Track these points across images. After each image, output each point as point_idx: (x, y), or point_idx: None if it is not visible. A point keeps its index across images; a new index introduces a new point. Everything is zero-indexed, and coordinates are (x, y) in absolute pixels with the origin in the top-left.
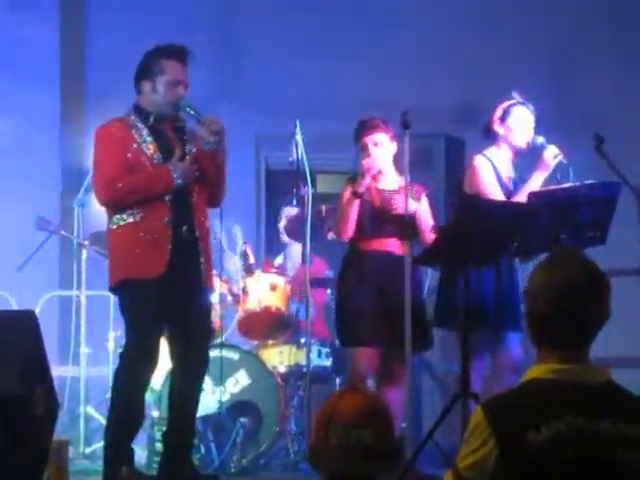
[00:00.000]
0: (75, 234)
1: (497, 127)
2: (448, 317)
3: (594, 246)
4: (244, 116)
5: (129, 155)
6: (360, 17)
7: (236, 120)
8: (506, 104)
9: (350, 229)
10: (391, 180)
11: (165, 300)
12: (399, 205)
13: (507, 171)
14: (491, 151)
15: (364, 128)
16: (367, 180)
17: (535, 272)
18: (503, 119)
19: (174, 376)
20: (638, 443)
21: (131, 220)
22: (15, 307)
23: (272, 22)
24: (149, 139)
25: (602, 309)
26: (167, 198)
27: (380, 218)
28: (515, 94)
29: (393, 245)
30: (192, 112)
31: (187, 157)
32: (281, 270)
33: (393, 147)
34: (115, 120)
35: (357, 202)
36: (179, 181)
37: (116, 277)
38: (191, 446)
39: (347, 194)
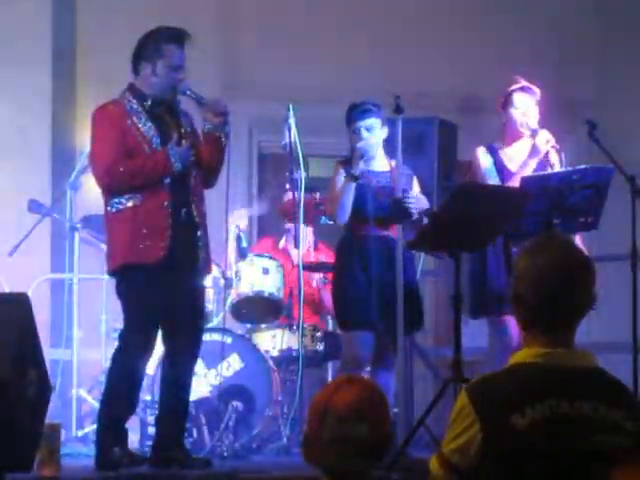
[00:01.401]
0: (67, 217)
1: (502, 114)
2: (482, 305)
3: (587, 231)
4: (237, 100)
5: (128, 138)
6: (353, 1)
7: (228, 104)
8: (509, 90)
9: (347, 213)
10: (381, 164)
11: (165, 284)
12: (395, 187)
13: (516, 158)
14: (495, 142)
15: (356, 112)
16: (362, 163)
17: (521, 256)
18: (504, 107)
19: (167, 359)
20: (620, 427)
21: (130, 204)
22: (7, 290)
23: (266, 7)
24: (147, 122)
25: (587, 294)
26: (166, 182)
27: (378, 201)
28: (517, 77)
29: (386, 228)
30: (193, 95)
31: (184, 141)
32: (285, 253)
33: (384, 131)
34: (112, 102)
35: (354, 185)
36: (178, 165)
37: (116, 262)
38: (184, 429)
39: (339, 177)
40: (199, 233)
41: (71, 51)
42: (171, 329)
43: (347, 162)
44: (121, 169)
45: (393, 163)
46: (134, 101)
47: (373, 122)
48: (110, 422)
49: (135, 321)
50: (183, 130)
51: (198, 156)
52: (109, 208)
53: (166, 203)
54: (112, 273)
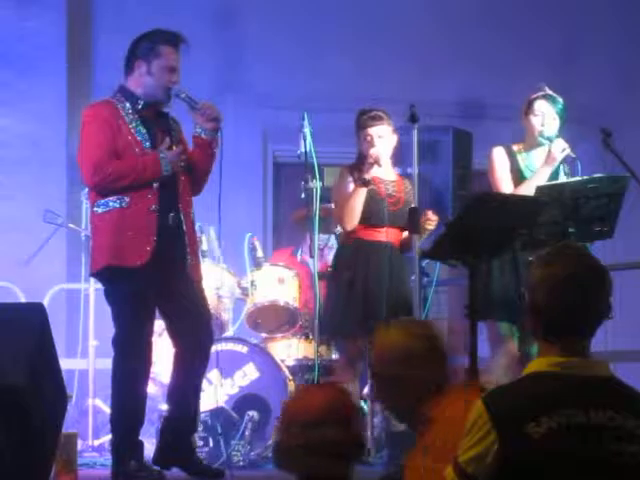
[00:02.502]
0: (83, 227)
1: (523, 120)
2: (485, 308)
3: (602, 239)
4: (251, 109)
5: (117, 139)
6: (366, 10)
7: (242, 113)
8: (532, 97)
9: (357, 218)
10: (388, 172)
11: (150, 289)
12: (400, 197)
13: (533, 164)
14: (516, 144)
15: (367, 119)
16: (373, 170)
17: (535, 266)
18: (526, 113)
19: (174, 365)
20: (636, 436)
21: (117, 206)
22: (23, 300)
23: (279, 15)
24: (138, 124)
25: (603, 303)
26: (154, 185)
27: (388, 208)
28: (543, 85)
29: (391, 236)
30: (187, 99)
31: (174, 146)
32: (304, 264)
33: (394, 139)
34: (103, 102)
35: (364, 191)
36: (167, 169)
37: (98, 263)
38: (192, 433)
39: (347, 183)
40: (186, 239)
41: (87, 61)
42: (176, 335)
43: (354, 168)
44: (109, 169)
45: (397, 173)
46: (125, 102)
47: (384, 129)
48: (123, 434)
49: (122, 326)
50: (174, 135)
51: (187, 162)
52: (95, 209)
53: (153, 207)
54: (94, 274)
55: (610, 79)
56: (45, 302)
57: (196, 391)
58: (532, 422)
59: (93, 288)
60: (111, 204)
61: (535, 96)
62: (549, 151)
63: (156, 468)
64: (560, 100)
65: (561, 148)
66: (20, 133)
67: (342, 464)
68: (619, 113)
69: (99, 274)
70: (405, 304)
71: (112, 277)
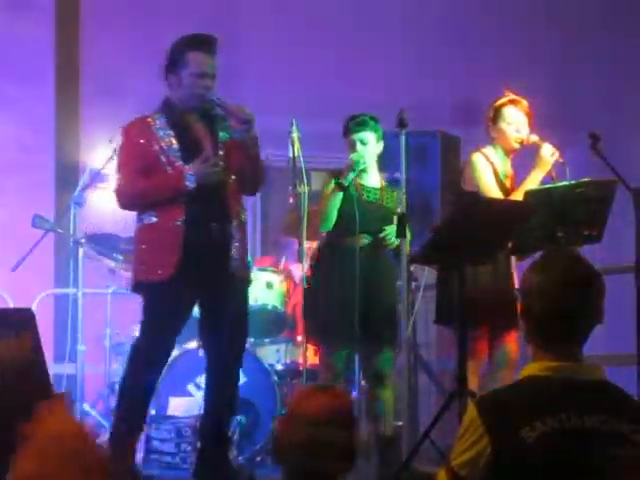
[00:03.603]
0: (72, 232)
1: (490, 128)
2: (448, 315)
3: (591, 244)
4: None
5: (147, 153)
6: (356, 16)
7: None
8: (498, 104)
9: (331, 222)
10: (373, 178)
11: (176, 303)
12: (383, 202)
13: (505, 169)
14: (488, 149)
15: (353, 125)
16: (353, 175)
17: (529, 271)
18: (494, 120)
19: (208, 373)
20: (629, 440)
21: (147, 222)
22: (11, 305)
23: (269, 20)
24: (172, 138)
25: (595, 308)
26: (182, 199)
27: (365, 214)
28: (507, 91)
29: (367, 242)
30: (218, 103)
31: (220, 151)
32: (286, 272)
33: (379, 146)
34: (138, 120)
35: (340, 195)
36: (191, 185)
37: (133, 279)
38: (228, 442)
39: (329, 187)
40: (233, 249)
41: (74, 66)
42: (211, 345)
43: (338, 173)
44: (130, 191)
45: (384, 182)
46: (163, 114)
47: (368, 136)
48: (119, 437)
49: (143, 336)
50: (222, 136)
51: (233, 165)
52: (137, 223)
53: (179, 220)
54: (132, 289)
55: (598, 85)
56: (33, 307)
57: (229, 402)
58: (526, 427)
59: (81, 293)
60: (143, 220)
61: (501, 103)
62: (539, 156)
63: (142, 473)
64: (524, 101)
65: (550, 152)
66: (8, 138)
67: (339, 466)
68: (607, 119)
69: (134, 289)
70: (382, 309)
71: (142, 292)
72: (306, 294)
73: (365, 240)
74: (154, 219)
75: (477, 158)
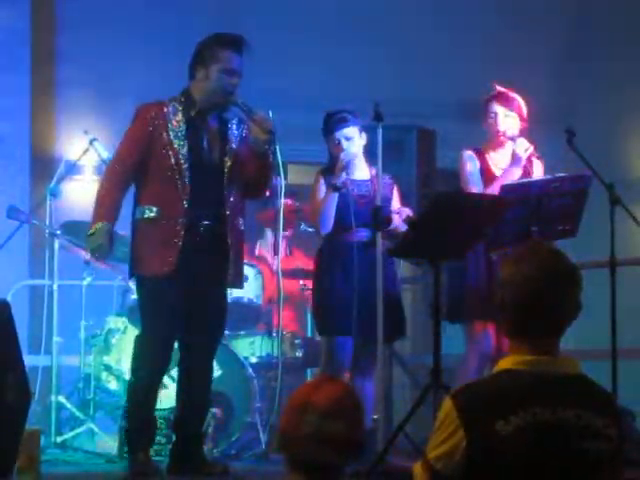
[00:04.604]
0: (47, 223)
1: (483, 122)
2: (460, 309)
3: (565, 238)
4: None
5: (156, 142)
6: (337, 12)
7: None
8: (485, 98)
9: (330, 223)
10: (362, 172)
11: (177, 296)
12: (374, 196)
13: (503, 163)
14: (486, 145)
15: (334, 122)
16: (345, 174)
17: (505, 264)
18: (484, 114)
19: (181, 369)
20: (603, 434)
21: (146, 215)
22: None
23: (254, 16)
24: (182, 129)
25: (573, 301)
26: (185, 197)
27: (358, 209)
28: (494, 84)
29: (366, 235)
30: (245, 107)
31: (226, 158)
32: (261, 260)
33: (363, 139)
34: (157, 102)
35: (336, 196)
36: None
37: (131, 271)
38: (202, 436)
39: (321, 187)
40: (231, 251)
41: (50, 58)
42: (186, 338)
43: (327, 171)
44: (116, 167)
45: (374, 172)
46: (180, 107)
47: (351, 131)
48: (134, 425)
49: (143, 330)
50: (228, 146)
51: (242, 170)
52: (135, 216)
53: (183, 216)
54: (130, 278)
55: (571, 80)
56: (8, 298)
57: (202, 397)
58: (501, 420)
59: (57, 285)
60: (144, 213)
61: (487, 97)
62: (513, 152)
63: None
64: (513, 96)
65: (524, 147)
66: None
67: (345, 458)
68: (581, 112)
69: (132, 279)
70: (388, 301)
71: (139, 285)
72: (313, 289)
73: (362, 234)
74: (153, 213)
75: (463, 153)
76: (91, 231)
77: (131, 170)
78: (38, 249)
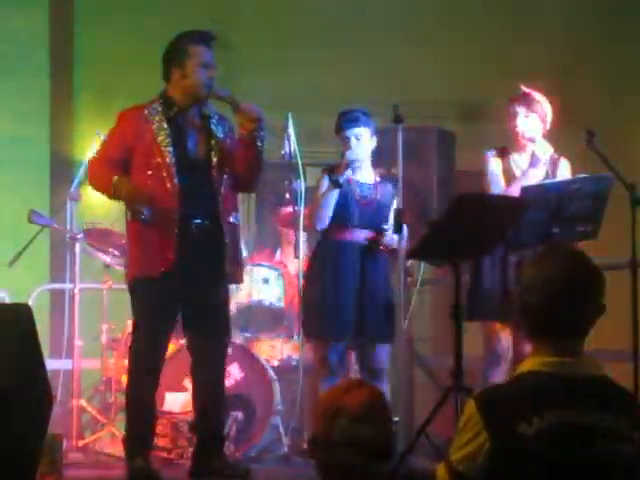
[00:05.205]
0: (68, 227)
1: (507, 124)
2: (478, 308)
3: (586, 240)
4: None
5: (140, 143)
6: (351, 13)
7: (226, 113)
8: (510, 98)
9: (326, 219)
10: (367, 175)
11: (173, 296)
12: (376, 198)
13: (525, 164)
14: (509, 145)
15: (345, 120)
16: (348, 171)
17: (527, 265)
18: (507, 115)
19: (194, 371)
20: (627, 436)
21: (139, 216)
22: (8, 301)
23: (266, 17)
24: (166, 129)
25: (596, 302)
26: (176, 193)
27: (360, 209)
28: (522, 86)
29: (362, 236)
30: (230, 99)
31: (212, 152)
32: (282, 264)
33: (373, 141)
34: (136, 106)
35: (336, 192)
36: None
37: (128, 276)
38: (223, 438)
39: (323, 183)
40: (225, 247)
41: (69, 61)
42: (195, 341)
43: (331, 170)
44: (91, 170)
45: (378, 178)
46: (159, 108)
47: (361, 131)
48: (133, 430)
49: (139, 332)
50: (214, 141)
51: (230, 161)
52: (128, 216)
53: (175, 215)
54: (128, 284)
55: (594, 81)
56: (30, 303)
57: (218, 397)
58: (524, 422)
59: (78, 288)
60: (135, 214)
61: (514, 97)
62: (532, 153)
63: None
64: (536, 97)
65: (544, 149)
66: (3, 133)
67: (377, 462)
68: (604, 114)
69: (129, 285)
70: (378, 303)
71: (138, 287)
72: (304, 290)
73: (360, 235)
74: (147, 213)
75: (486, 154)
76: (113, 192)
77: (115, 164)
78: (59, 253)
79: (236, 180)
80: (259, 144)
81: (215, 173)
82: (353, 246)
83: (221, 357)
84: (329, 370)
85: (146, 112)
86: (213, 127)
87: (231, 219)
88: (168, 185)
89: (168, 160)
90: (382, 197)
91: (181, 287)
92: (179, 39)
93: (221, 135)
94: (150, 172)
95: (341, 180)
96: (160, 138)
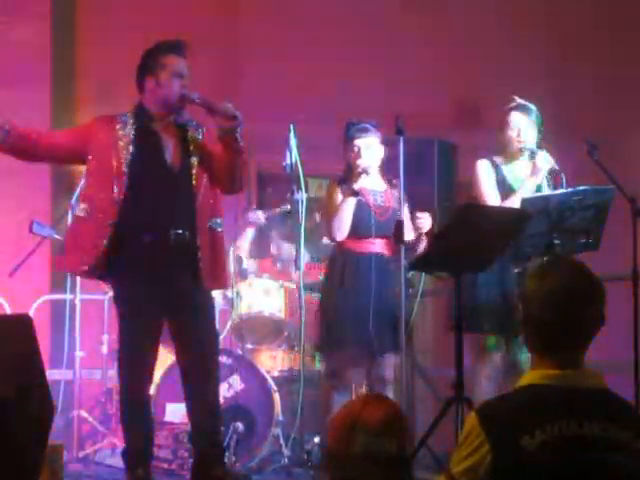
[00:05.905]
0: None
1: (498, 134)
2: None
3: (587, 251)
4: None
5: (103, 155)
6: (355, 24)
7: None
8: (504, 109)
9: (347, 229)
10: (377, 183)
11: (152, 312)
12: (391, 205)
13: (519, 174)
14: (498, 155)
15: (355, 130)
16: (362, 180)
17: (528, 278)
18: (502, 126)
19: (184, 388)
20: (630, 447)
21: (77, 213)
22: (8, 311)
23: (269, 27)
24: (133, 141)
25: (596, 314)
26: (116, 199)
27: (375, 219)
28: (515, 97)
29: (380, 246)
30: (202, 102)
31: (193, 158)
32: (284, 274)
33: (382, 150)
34: (108, 116)
35: (354, 201)
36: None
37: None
38: (222, 449)
39: (337, 195)
40: (199, 252)
41: (71, 72)
42: (180, 353)
43: (343, 179)
44: (38, 137)
45: (388, 188)
46: (132, 120)
47: (372, 140)
48: (131, 441)
49: (121, 342)
50: (192, 145)
51: (210, 166)
52: (73, 210)
53: (110, 222)
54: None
55: (595, 91)
56: (30, 313)
57: (211, 406)
58: (526, 435)
59: (79, 299)
60: (75, 210)
61: (507, 108)
62: (534, 164)
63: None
64: (533, 107)
65: (545, 160)
66: None
67: (393, 477)
68: (605, 125)
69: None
70: (391, 317)
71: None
72: (320, 303)
73: (378, 245)
74: (83, 213)
75: (479, 163)
76: None
77: (56, 143)
78: None
79: (219, 182)
80: (240, 141)
81: (194, 181)
82: (371, 258)
83: (206, 370)
84: (344, 383)
85: (118, 119)
86: (190, 133)
87: (211, 224)
88: (115, 191)
89: (123, 167)
90: (395, 204)
91: (161, 300)
92: (151, 49)
93: (200, 137)
94: (100, 177)
95: (357, 188)
96: (121, 144)
